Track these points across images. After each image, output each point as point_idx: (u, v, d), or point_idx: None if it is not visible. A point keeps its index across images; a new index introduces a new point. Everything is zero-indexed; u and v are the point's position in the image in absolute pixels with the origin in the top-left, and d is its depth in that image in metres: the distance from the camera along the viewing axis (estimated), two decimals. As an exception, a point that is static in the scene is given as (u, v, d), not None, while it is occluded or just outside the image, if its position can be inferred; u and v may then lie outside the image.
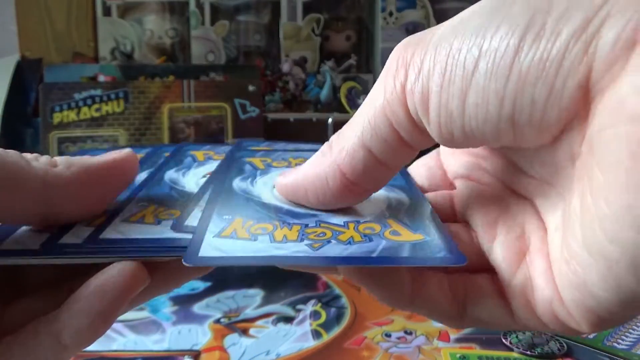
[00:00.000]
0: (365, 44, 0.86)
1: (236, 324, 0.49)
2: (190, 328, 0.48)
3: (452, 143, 0.18)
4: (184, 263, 0.17)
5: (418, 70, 0.17)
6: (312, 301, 0.53)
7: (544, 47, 0.15)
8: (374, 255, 0.18)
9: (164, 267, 0.20)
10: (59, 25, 0.83)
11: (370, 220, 0.20)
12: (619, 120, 0.14)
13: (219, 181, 0.23)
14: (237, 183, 0.23)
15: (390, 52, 0.19)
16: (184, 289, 0.57)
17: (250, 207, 0.21)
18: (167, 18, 0.85)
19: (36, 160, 0.18)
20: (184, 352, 0.44)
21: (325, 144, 0.21)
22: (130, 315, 0.51)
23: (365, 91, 0.83)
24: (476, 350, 0.44)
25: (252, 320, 0.50)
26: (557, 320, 0.17)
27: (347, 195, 0.20)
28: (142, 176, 0.24)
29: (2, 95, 0.77)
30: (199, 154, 0.27)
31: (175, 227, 0.19)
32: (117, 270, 0.17)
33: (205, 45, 0.85)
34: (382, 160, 0.19)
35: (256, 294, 0.56)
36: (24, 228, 0.19)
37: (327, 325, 0.48)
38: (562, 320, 0.17)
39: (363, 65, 0.86)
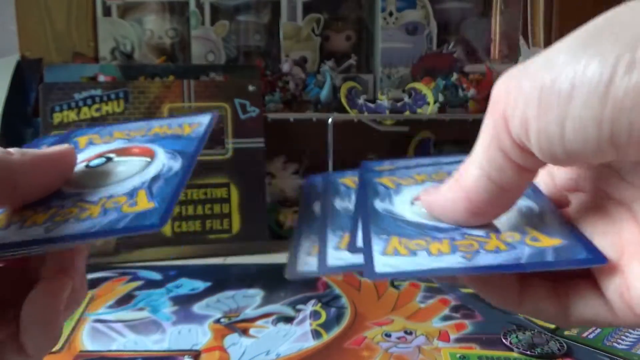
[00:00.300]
0: (365, 44, 0.86)
1: (236, 324, 0.49)
2: (190, 328, 0.48)
3: (557, 162, 0.19)
4: (366, 278, 0.19)
5: (516, 100, 0.19)
6: (312, 301, 0.53)
7: (637, 77, 0.16)
8: (523, 261, 0.20)
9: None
10: (59, 25, 0.83)
11: (508, 229, 0.22)
12: None
13: (363, 204, 0.25)
14: (379, 204, 0.25)
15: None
16: (184, 289, 0.57)
17: (399, 225, 0.23)
18: (167, 18, 0.85)
19: None
20: (184, 352, 0.44)
21: (458, 170, 0.22)
22: (130, 315, 0.51)
23: (365, 91, 0.83)
24: (476, 350, 0.44)
25: (252, 320, 0.50)
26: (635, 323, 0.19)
27: (478, 219, 0.22)
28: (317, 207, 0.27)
29: (2, 95, 0.77)
30: (348, 181, 0.29)
31: (350, 249, 0.22)
32: (43, 288, 0.22)
33: (205, 45, 0.85)
34: (504, 187, 0.20)
35: (256, 294, 0.56)
36: None
37: (327, 325, 0.48)
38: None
39: (363, 65, 0.86)
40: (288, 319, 0.50)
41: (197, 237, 0.70)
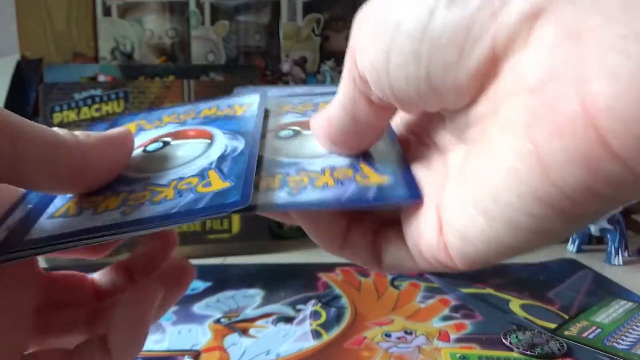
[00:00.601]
0: (365, 44, 0.86)
1: (236, 324, 0.49)
2: (190, 328, 0.48)
3: (392, 100, 0.19)
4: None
5: (360, 29, 0.19)
6: (312, 301, 0.53)
7: (456, 12, 0.16)
8: (343, 199, 0.20)
9: (174, 275, 0.24)
10: (59, 25, 0.83)
11: (344, 165, 0.22)
12: (520, 90, 0.15)
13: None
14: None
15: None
16: (184, 289, 0.57)
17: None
18: (167, 18, 0.85)
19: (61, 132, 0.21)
20: (184, 352, 0.44)
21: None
22: (130, 315, 0.51)
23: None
24: (476, 350, 0.44)
25: (252, 320, 0.50)
26: (438, 262, 0.19)
27: (337, 148, 0.22)
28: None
29: (2, 95, 0.77)
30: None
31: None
32: (142, 288, 0.22)
33: (205, 45, 0.85)
34: (357, 119, 0.21)
35: (256, 294, 0.56)
36: None
37: (327, 325, 0.48)
38: (442, 262, 0.19)
39: (363, 65, 0.86)
40: (288, 319, 0.50)
41: (197, 237, 0.70)
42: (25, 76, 0.79)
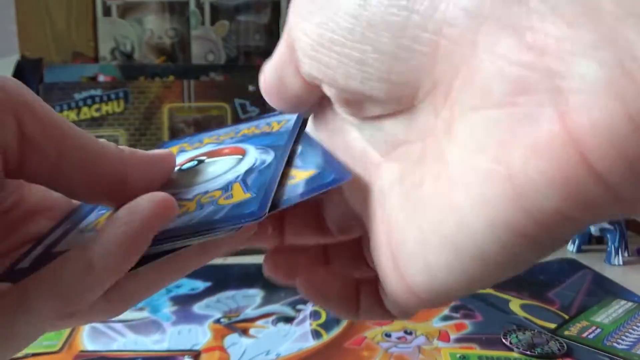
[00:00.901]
0: (365, 44, 0.86)
1: (236, 324, 0.49)
2: (190, 328, 0.48)
3: (317, 78, 0.18)
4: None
5: None
6: (312, 301, 0.53)
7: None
8: (277, 202, 0.19)
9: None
10: (59, 25, 0.83)
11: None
12: (483, 105, 0.13)
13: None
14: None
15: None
16: (184, 289, 0.57)
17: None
18: (167, 18, 0.85)
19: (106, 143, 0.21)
20: (184, 352, 0.44)
21: None
22: (130, 315, 0.51)
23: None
24: (476, 350, 0.44)
25: (252, 320, 0.50)
26: (404, 301, 0.18)
27: (269, 101, 0.22)
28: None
29: (2, 95, 0.77)
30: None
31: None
32: (147, 199, 0.18)
33: (205, 45, 0.85)
34: (284, 80, 0.21)
35: (256, 294, 0.56)
36: None
37: (327, 325, 0.48)
38: (406, 301, 0.17)
39: (363, 65, 0.86)
40: (288, 319, 0.50)
41: (197, 237, 0.70)
42: (25, 76, 0.79)
